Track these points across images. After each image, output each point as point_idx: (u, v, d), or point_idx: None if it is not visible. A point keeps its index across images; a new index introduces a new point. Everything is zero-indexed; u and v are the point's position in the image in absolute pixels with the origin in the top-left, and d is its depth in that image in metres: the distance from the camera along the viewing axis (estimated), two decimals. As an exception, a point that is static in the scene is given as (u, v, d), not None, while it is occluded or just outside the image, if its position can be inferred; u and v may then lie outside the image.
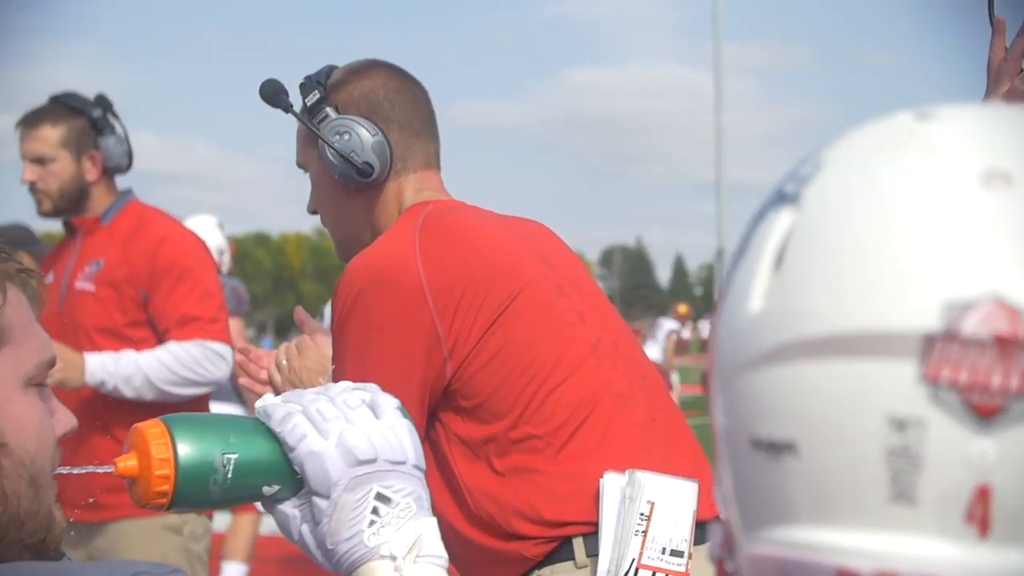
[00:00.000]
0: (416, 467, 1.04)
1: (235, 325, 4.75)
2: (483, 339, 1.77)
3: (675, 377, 15.58)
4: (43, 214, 3.23)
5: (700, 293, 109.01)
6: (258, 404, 1.07)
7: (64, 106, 3.21)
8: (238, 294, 5.90)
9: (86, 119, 3.20)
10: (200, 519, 3.24)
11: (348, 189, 1.96)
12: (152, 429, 1.03)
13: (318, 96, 1.94)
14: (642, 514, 1.68)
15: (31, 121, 3.20)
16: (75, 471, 1.07)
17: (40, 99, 3.24)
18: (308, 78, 1.98)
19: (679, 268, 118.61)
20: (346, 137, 1.91)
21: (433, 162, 2.00)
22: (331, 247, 2.13)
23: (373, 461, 1.00)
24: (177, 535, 3.15)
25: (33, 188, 3.20)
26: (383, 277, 1.78)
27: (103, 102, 3.23)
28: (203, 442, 1.03)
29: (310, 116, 1.95)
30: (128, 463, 1.03)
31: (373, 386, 1.08)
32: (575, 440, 1.78)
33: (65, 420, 1.07)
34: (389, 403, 1.05)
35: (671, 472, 1.77)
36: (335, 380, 1.81)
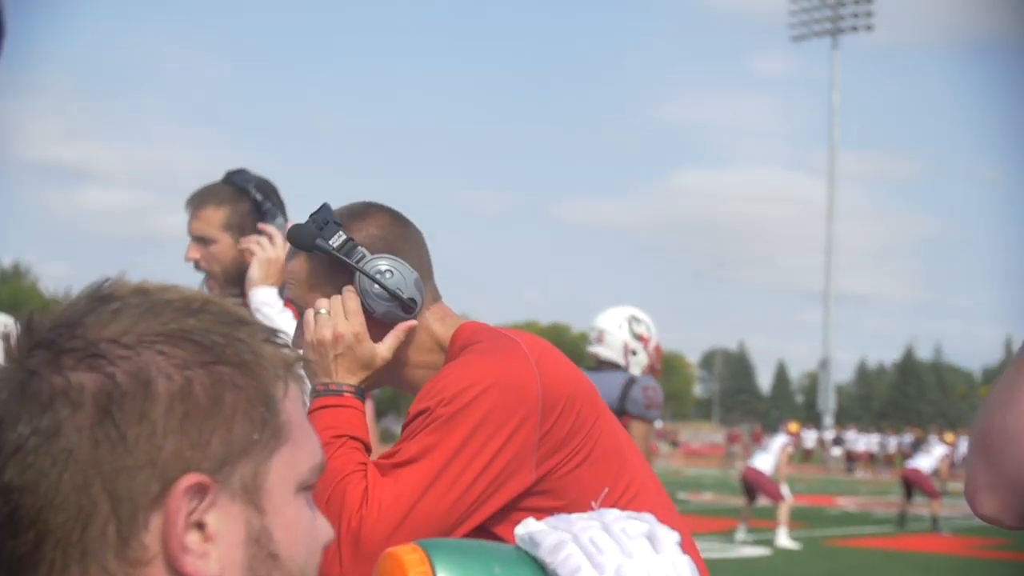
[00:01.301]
0: None
1: None
2: (580, 443, 1.85)
3: (785, 489, 15.22)
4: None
5: (801, 401, 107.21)
6: (519, 530, 0.98)
7: (231, 187, 3.21)
8: None
9: (251, 202, 3.19)
10: None
11: (380, 326, 1.95)
12: (409, 555, 0.92)
13: (344, 236, 1.92)
14: None
15: (198, 201, 3.21)
16: None
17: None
18: (317, 219, 1.94)
19: (781, 375, 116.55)
20: (388, 275, 1.91)
21: (438, 295, 2.04)
22: None
23: None
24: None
25: (197, 266, 3.19)
26: (513, 383, 1.82)
27: (267, 187, 3.22)
28: (466, 573, 0.91)
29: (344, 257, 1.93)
30: None
31: (650, 516, 0.99)
32: None
33: (325, 529, 0.95)
34: (669, 537, 0.96)
35: None
36: (405, 459, 1.77)
